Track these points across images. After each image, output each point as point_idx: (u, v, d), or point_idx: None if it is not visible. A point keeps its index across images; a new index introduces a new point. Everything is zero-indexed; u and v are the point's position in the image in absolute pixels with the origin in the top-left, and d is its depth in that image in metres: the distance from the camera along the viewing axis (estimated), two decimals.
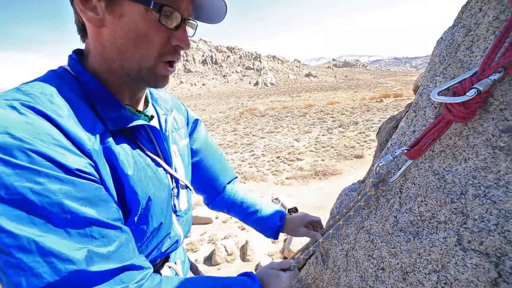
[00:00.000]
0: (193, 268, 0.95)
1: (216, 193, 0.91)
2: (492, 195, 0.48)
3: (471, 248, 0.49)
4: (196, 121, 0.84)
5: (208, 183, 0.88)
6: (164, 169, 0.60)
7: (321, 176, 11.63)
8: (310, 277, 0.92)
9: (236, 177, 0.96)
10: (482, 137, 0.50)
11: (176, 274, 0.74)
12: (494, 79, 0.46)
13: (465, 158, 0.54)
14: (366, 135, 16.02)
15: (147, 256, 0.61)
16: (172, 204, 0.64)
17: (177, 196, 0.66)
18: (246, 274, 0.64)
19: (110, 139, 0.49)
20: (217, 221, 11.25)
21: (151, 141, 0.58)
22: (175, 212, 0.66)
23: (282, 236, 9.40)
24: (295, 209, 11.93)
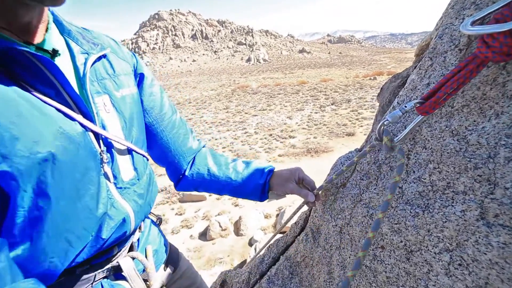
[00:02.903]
0: (173, 255, 0.84)
1: (178, 173, 0.77)
2: None
3: (498, 223, 0.40)
4: (142, 76, 0.67)
5: (165, 157, 0.74)
6: (81, 124, 0.45)
7: (313, 153, 11.75)
8: (299, 255, 0.85)
9: (200, 149, 0.81)
10: None
11: (144, 266, 0.63)
12: None
13: (497, 112, 0.42)
14: (359, 113, 16.07)
15: (80, 252, 0.47)
16: (103, 172, 0.50)
17: (112, 161, 0.52)
18: None
19: None
20: (211, 198, 11.44)
21: (51, 83, 0.43)
22: (115, 183, 0.52)
23: (274, 210, 9.57)
24: None
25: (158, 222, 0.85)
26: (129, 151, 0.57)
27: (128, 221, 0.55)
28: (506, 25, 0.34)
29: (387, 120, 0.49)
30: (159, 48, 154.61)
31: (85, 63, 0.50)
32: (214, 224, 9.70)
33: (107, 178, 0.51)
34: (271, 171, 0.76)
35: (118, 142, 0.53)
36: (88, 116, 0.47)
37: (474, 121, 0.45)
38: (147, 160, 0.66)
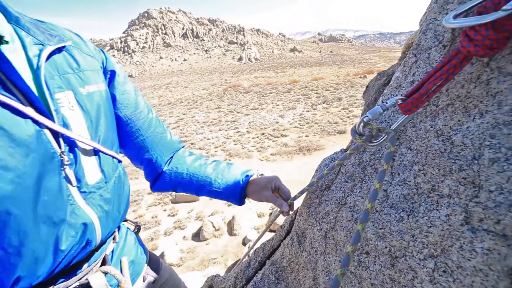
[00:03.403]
0: (153, 264, 0.80)
1: (156, 172, 0.74)
2: None
3: (483, 228, 0.38)
4: (113, 73, 0.62)
5: (142, 156, 0.71)
6: (36, 122, 0.41)
7: (305, 151, 11.83)
8: (285, 260, 0.82)
9: (179, 149, 0.78)
10: None
11: (118, 281, 0.58)
12: None
13: (482, 111, 0.40)
14: (349, 111, 16.29)
15: (37, 266, 0.42)
16: (64, 175, 0.45)
17: (75, 163, 0.48)
18: None
19: None
20: (204, 198, 11.37)
21: None
22: (79, 187, 0.48)
23: (267, 209, 9.60)
24: None
25: (136, 230, 0.81)
26: (96, 152, 0.53)
27: (91, 228, 0.50)
28: (487, 16, 0.32)
29: (367, 116, 0.47)
30: (149, 47, 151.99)
31: (39, 55, 0.45)
32: (207, 225, 9.62)
33: (69, 181, 0.46)
34: (248, 177, 0.75)
35: (82, 142, 0.49)
36: (45, 113, 0.43)
37: (459, 120, 0.43)
38: (118, 161, 0.61)
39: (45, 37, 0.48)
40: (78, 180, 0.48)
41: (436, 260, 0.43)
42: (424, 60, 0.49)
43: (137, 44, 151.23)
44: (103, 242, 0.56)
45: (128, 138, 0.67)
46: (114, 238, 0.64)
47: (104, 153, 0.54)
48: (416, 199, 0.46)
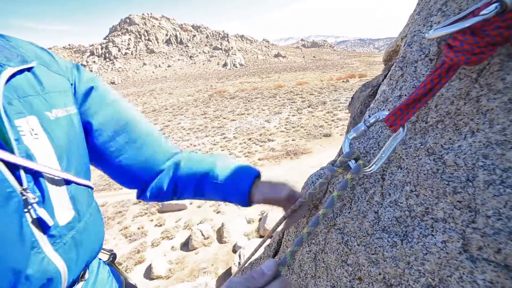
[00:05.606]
0: None
1: (148, 183, 0.64)
2: None
3: (483, 258, 0.35)
4: (91, 88, 0.56)
5: (133, 173, 0.61)
6: None
7: (292, 155, 11.94)
8: None
9: (175, 154, 0.67)
10: (503, 98, 0.34)
11: None
12: None
13: (473, 130, 0.38)
14: (334, 114, 16.73)
15: None
16: (32, 218, 0.37)
17: (42, 202, 0.40)
18: None
19: None
20: (191, 206, 11.15)
21: None
22: (46, 231, 0.39)
23: (257, 215, 9.52)
24: None
25: (110, 259, 0.73)
26: (68, 185, 0.45)
27: (58, 281, 0.41)
28: (467, 21, 0.30)
29: (352, 134, 0.44)
30: (132, 53, 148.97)
31: None
32: (196, 233, 9.39)
33: (38, 225, 0.38)
34: (259, 173, 0.63)
35: (51, 175, 0.41)
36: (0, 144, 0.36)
37: (450, 138, 0.40)
38: (92, 190, 0.54)
39: (3, 57, 0.41)
40: (45, 222, 0.40)
41: None
42: (410, 74, 0.47)
43: (119, 50, 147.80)
44: None
45: (119, 159, 0.58)
46: (82, 276, 0.56)
47: (78, 184, 0.47)
48: (409, 222, 0.44)
